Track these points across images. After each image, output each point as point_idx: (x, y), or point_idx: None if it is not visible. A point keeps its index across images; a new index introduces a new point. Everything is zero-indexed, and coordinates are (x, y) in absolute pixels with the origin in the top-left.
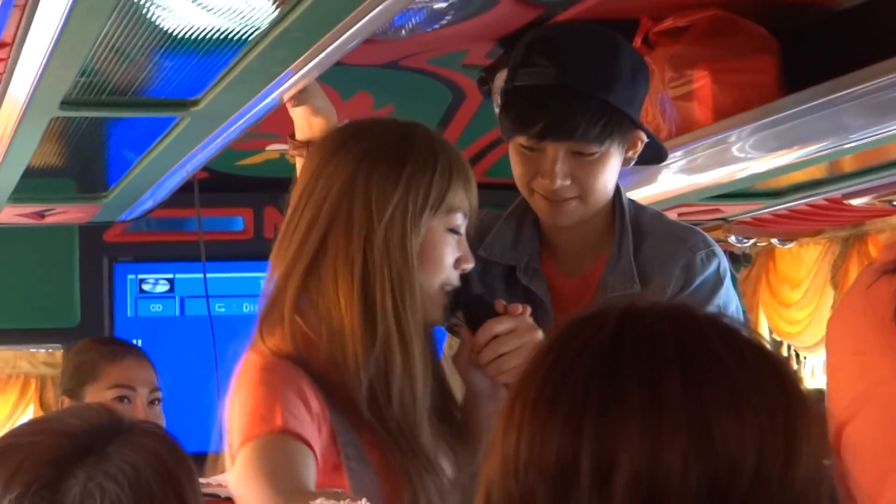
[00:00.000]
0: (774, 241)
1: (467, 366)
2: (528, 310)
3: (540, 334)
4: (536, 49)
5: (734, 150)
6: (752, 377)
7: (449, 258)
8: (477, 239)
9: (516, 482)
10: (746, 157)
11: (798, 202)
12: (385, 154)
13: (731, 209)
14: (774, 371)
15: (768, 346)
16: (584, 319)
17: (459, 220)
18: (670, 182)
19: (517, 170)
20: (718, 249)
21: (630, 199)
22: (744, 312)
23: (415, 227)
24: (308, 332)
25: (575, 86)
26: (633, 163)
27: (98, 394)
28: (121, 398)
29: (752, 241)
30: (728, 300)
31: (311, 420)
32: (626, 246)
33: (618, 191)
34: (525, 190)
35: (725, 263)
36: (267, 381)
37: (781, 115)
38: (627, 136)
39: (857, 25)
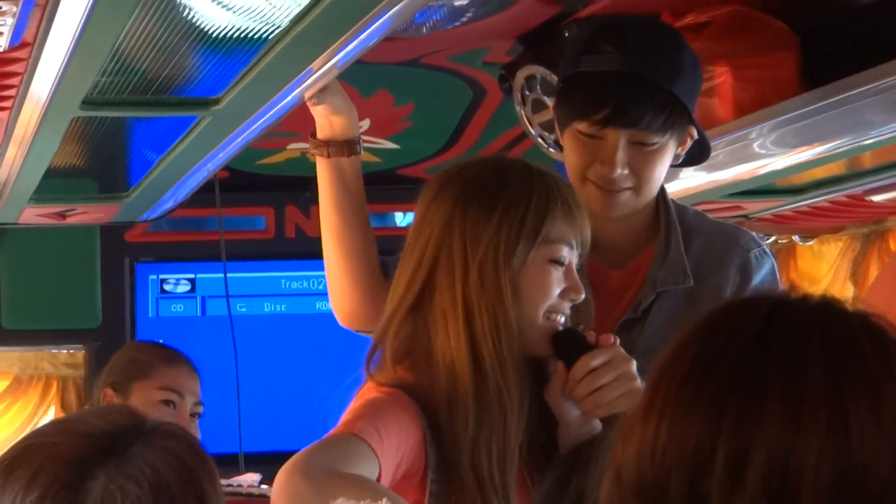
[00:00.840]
0: (795, 237)
1: (559, 399)
2: (618, 340)
3: (634, 364)
4: (602, 36)
5: (755, 146)
6: (895, 376)
7: (551, 290)
8: None
9: (651, 466)
10: (767, 154)
11: (819, 199)
12: (481, 190)
13: (751, 206)
14: None
15: None
16: (734, 308)
17: (564, 252)
18: (691, 179)
19: (573, 158)
20: (767, 249)
21: (672, 199)
22: None
23: (507, 260)
24: (412, 372)
25: (642, 74)
26: (681, 159)
27: (146, 391)
28: (167, 402)
29: (772, 238)
30: None
31: (395, 443)
32: (676, 241)
33: (661, 186)
34: (578, 179)
35: (775, 263)
36: (371, 400)
37: (802, 111)
38: (685, 130)
39: (877, 21)
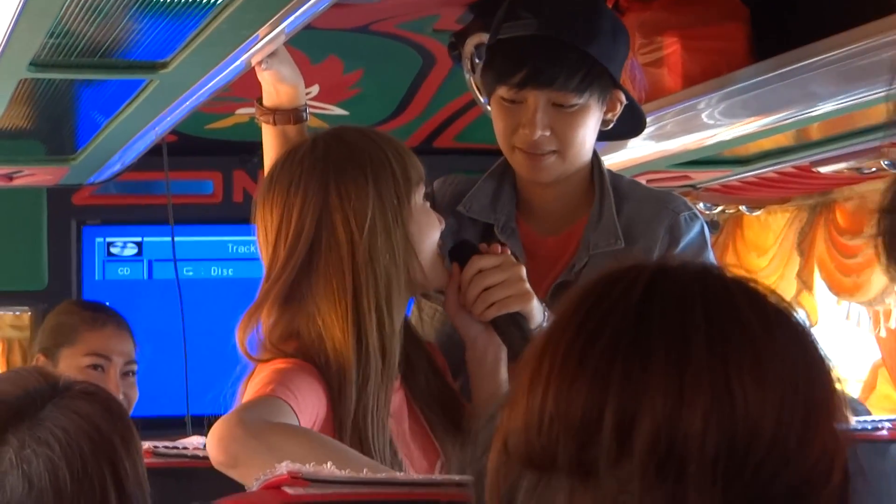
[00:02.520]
0: (742, 208)
1: (457, 309)
2: (508, 250)
3: (523, 269)
4: (520, 3)
5: (703, 116)
6: (776, 344)
7: (437, 224)
8: (452, 200)
9: (539, 434)
10: (715, 124)
11: (766, 170)
12: (342, 164)
13: (699, 176)
14: (799, 339)
15: (794, 314)
16: (615, 276)
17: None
18: (639, 148)
19: (498, 125)
20: (697, 212)
21: (608, 169)
22: None
23: (397, 217)
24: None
25: (556, 36)
26: (611, 125)
27: (73, 358)
28: (95, 366)
29: (720, 209)
30: (713, 259)
31: (309, 402)
32: (609, 206)
33: (596, 155)
34: (506, 146)
35: (706, 227)
36: (278, 369)
37: (750, 82)
38: (607, 93)
39: None
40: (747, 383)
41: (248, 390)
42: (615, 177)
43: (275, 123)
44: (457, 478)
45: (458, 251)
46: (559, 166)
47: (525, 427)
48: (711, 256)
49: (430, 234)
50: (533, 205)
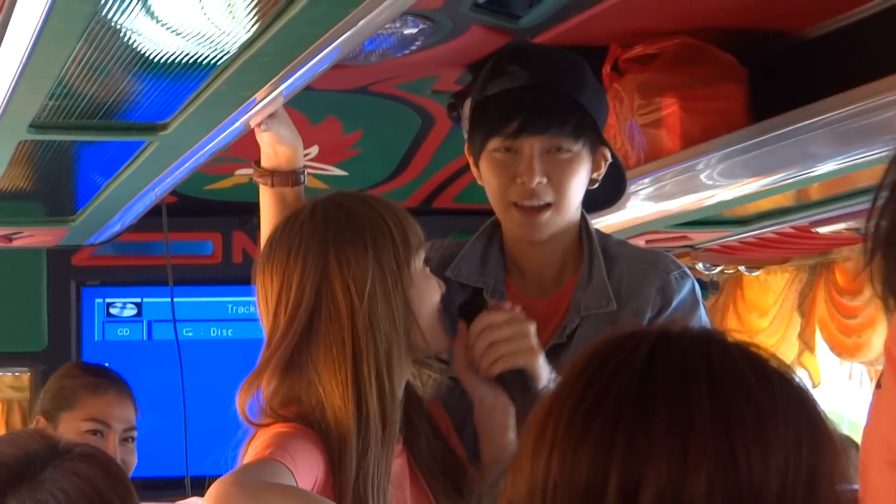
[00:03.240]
0: (742, 268)
1: (465, 368)
2: (518, 307)
3: (531, 326)
4: (506, 59)
5: (702, 177)
6: (779, 408)
7: (436, 289)
8: (441, 264)
9: (543, 500)
10: (714, 185)
11: (766, 230)
12: (342, 231)
13: (698, 236)
14: (801, 402)
15: (795, 377)
16: (618, 343)
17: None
18: (638, 209)
19: (492, 181)
20: (688, 271)
21: (595, 228)
22: None
23: (396, 284)
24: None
25: (548, 84)
26: (595, 185)
27: (72, 423)
28: (94, 432)
29: (719, 269)
30: (706, 322)
31: (307, 466)
32: (598, 267)
33: (584, 215)
34: (502, 204)
35: (697, 285)
36: (278, 433)
37: (749, 143)
38: (596, 147)
39: (824, 55)
40: (751, 447)
41: (248, 454)
42: (602, 236)
43: (272, 185)
44: None
45: (467, 307)
46: (555, 221)
47: (529, 493)
48: (704, 314)
49: (430, 298)
50: (522, 266)
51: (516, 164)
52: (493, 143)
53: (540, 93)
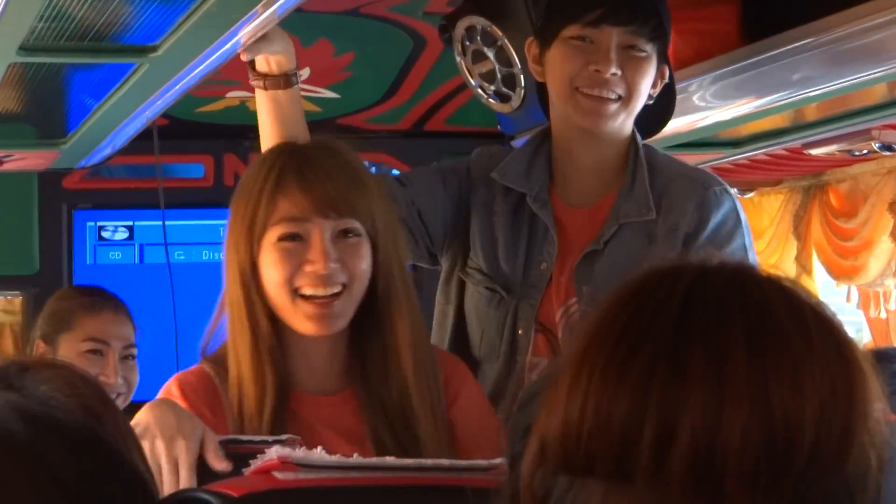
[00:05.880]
0: (735, 190)
1: None
2: None
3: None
4: None
5: (694, 98)
6: (814, 349)
7: (283, 269)
8: (487, 167)
9: (577, 443)
10: (707, 107)
11: (757, 152)
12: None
13: (691, 158)
14: (837, 343)
15: (830, 315)
16: (657, 281)
17: (290, 229)
18: None
19: (563, 67)
20: (729, 189)
21: (644, 143)
22: None
23: (247, 255)
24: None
25: None
26: (651, 101)
27: (72, 344)
28: (94, 351)
29: None
30: (749, 242)
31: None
32: (641, 177)
33: (633, 129)
34: (567, 91)
35: (739, 203)
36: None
37: (742, 64)
38: (661, 60)
39: None
40: (786, 394)
41: None
42: (650, 150)
43: (265, 88)
44: (463, 463)
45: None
46: (619, 116)
47: (563, 433)
48: (746, 236)
49: (274, 276)
50: (568, 176)
51: (591, 53)
52: (570, 31)
53: None
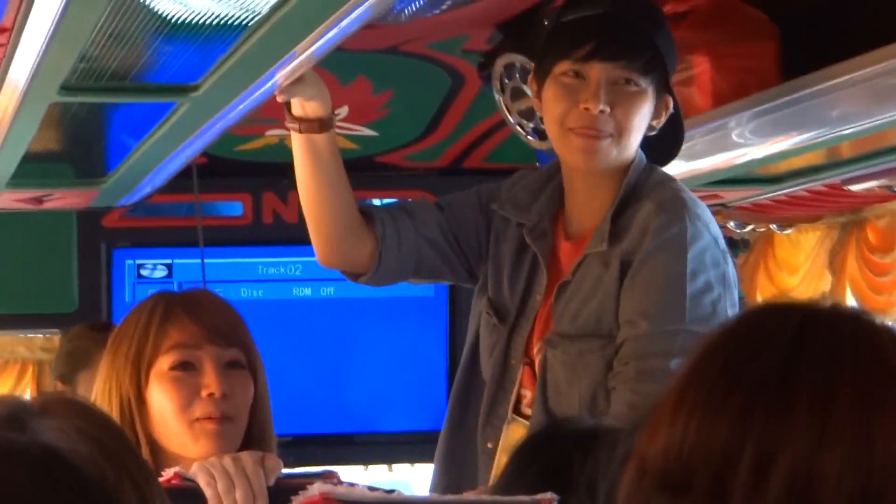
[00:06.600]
0: (773, 226)
1: None
2: None
3: None
4: None
5: (733, 135)
6: None
7: (178, 398)
8: (501, 195)
9: (678, 462)
10: (745, 143)
11: (797, 188)
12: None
13: (729, 195)
14: None
15: None
16: (766, 315)
17: (183, 356)
18: (669, 168)
19: (555, 106)
20: (693, 217)
21: (650, 165)
22: (742, 298)
23: (132, 388)
24: None
25: (626, 17)
26: (653, 132)
27: (91, 381)
28: None
29: (750, 227)
30: (697, 269)
31: None
32: (611, 207)
33: (639, 163)
34: (560, 129)
35: (698, 232)
36: None
37: (780, 101)
38: (661, 93)
39: (856, 11)
40: (888, 432)
41: None
42: (649, 174)
43: (301, 132)
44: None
45: None
46: (611, 153)
47: (665, 452)
48: (708, 268)
49: (167, 407)
50: (570, 206)
51: (581, 90)
52: (562, 67)
53: (616, 23)
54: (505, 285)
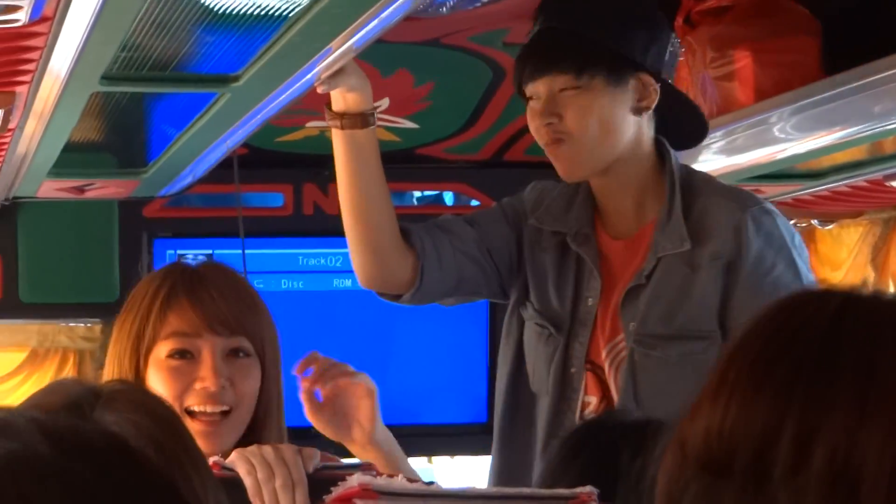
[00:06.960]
0: (814, 222)
1: None
2: None
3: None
4: (536, 11)
5: (775, 130)
6: None
7: (172, 386)
8: (537, 201)
9: (719, 441)
10: (787, 138)
11: (838, 183)
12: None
13: (770, 190)
14: None
15: None
16: (805, 299)
17: (180, 345)
18: (710, 162)
19: (531, 126)
20: (771, 207)
21: (683, 164)
22: None
23: (131, 371)
24: None
25: (555, 26)
26: (648, 112)
27: None
28: None
29: (792, 222)
30: (801, 259)
31: None
32: (676, 206)
33: (668, 151)
34: (543, 148)
35: (785, 222)
36: None
37: (822, 96)
38: (624, 76)
39: None
40: None
41: None
42: (688, 172)
43: (342, 128)
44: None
45: None
46: (576, 155)
47: (706, 431)
48: (795, 253)
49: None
50: (607, 209)
51: (538, 107)
52: (526, 92)
53: (542, 36)
54: (552, 294)
